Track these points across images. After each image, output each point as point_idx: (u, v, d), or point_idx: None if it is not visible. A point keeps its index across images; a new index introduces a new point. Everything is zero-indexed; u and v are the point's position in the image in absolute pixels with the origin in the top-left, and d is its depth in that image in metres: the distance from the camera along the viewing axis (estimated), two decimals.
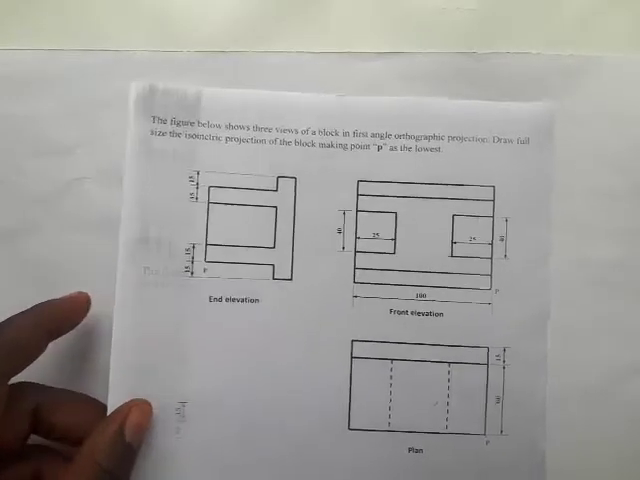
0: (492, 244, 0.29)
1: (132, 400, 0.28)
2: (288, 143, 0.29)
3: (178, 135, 0.29)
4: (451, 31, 0.30)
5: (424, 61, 0.30)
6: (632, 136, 0.30)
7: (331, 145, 0.29)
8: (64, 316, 0.27)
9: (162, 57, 0.30)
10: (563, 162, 0.29)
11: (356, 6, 0.31)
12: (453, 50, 0.30)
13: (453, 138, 0.29)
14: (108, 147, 0.30)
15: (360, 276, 0.29)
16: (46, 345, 0.26)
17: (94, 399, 0.28)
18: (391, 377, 0.29)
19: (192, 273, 0.29)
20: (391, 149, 0.29)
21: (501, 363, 0.29)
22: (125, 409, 0.27)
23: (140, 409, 0.27)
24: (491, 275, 0.29)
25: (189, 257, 0.29)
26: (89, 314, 0.28)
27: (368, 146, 0.29)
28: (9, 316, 0.26)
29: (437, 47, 0.30)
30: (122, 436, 0.25)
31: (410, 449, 0.28)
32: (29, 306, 0.27)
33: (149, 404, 0.28)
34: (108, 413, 0.27)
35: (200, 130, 0.29)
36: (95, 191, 0.30)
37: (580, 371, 0.29)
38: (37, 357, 0.26)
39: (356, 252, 0.29)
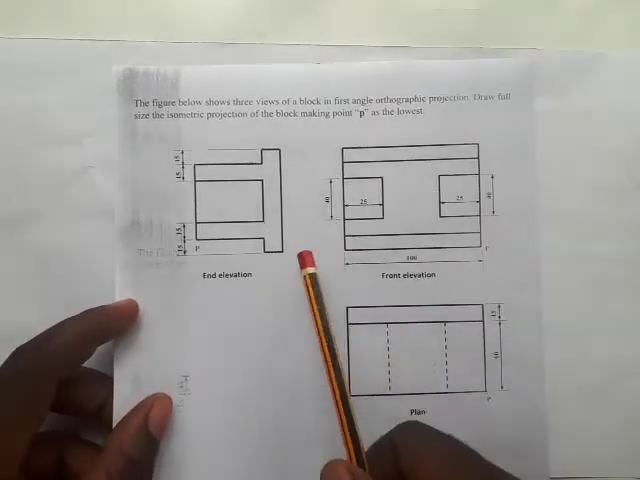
0: (479, 201, 0.29)
1: (154, 394, 0.28)
2: (270, 115, 0.29)
3: (160, 116, 0.29)
4: (455, 29, 0.30)
5: (430, 55, 0.30)
6: (636, 132, 0.30)
7: (313, 114, 0.29)
8: (113, 323, 0.28)
9: (166, 48, 0.30)
10: (567, 156, 0.29)
11: (358, 5, 0.31)
12: (459, 46, 0.30)
13: (434, 99, 0.29)
14: (113, 136, 0.30)
15: (350, 243, 0.29)
16: (94, 350, 0.27)
17: (103, 374, 0.29)
18: (388, 341, 0.29)
19: (185, 252, 0.29)
20: (373, 114, 0.29)
21: (497, 319, 0.29)
22: (148, 403, 0.27)
23: (162, 402, 0.28)
24: (480, 232, 0.29)
25: (180, 237, 0.29)
26: (95, 296, 0.29)
27: (350, 112, 0.29)
28: (15, 303, 0.27)
29: (442, 44, 0.30)
30: (146, 429, 0.26)
31: (412, 411, 0.29)
32: (35, 293, 0.28)
33: (169, 398, 0.28)
34: (114, 394, 0.28)
35: (181, 109, 0.29)
36: (100, 180, 0.30)
37: (579, 369, 0.29)
38: (85, 361, 0.27)
39: (345, 220, 0.29)
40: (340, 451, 0.28)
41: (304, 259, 0.27)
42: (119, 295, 0.29)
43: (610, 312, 0.29)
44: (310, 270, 0.27)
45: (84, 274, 0.30)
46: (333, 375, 0.25)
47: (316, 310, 0.26)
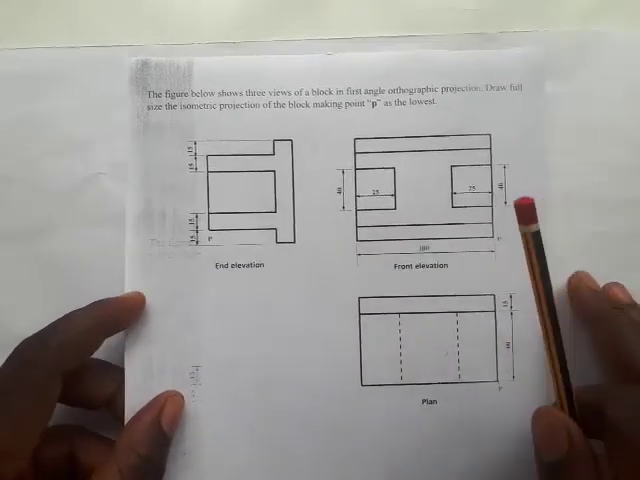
0: (492, 192, 0.29)
1: (166, 392, 0.28)
2: (282, 105, 0.29)
3: (173, 107, 0.30)
4: (456, 21, 0.30)
5: (433, 44, 0.30)
6: None
7: (325, 104, 0.29)
8: (120, 314, 0.28)
9: (174, 50, 0.30)
10: (577, 136, 0.29)
11: (360, 4, 0.31)
12: (462, 32, 0.30)
13: (446, 89, 0.29)
14: (124, 142, 0.30)
15: (363, 234, 0.29)
16: (102, 342, 0.27)
17: (112, 365, 0.29)
18: (400, 331, 0.29)
19: (197, 242, 0.29)
20: (385, 104, 0.29)
21: (508, 309, 0.29)
22: (161, 400, 0.28)
23: (174, 400, 0.28)
24: (492, 223, 0.29)
25: (193, 227, 0.29)
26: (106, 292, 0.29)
27: (362, 103, 0.29)
28: (31, 311, 0.28)
29: (444, 31, 0.30)
30: (159, 426, 0.27)
31: (424, 401, 0.29)
32: (51, 303, 0.28)
33: (181, 395, 0.29)
34: (126, 384, 0.28)
35: (194, 100, 0.30)
36: (112, 186, 0.30)
37: None
38: (93, 353, 0.27)
39: (357, 210, 0.29)
40: (354, 445, 0.29)
41: (525, 212, 0.21)
42: (129, 285, 0.29)
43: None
44: (533, 228, 0.21)
45: (99, 280, 0.30)
46: (553, 346, 0.22)
47: (539, 280, 0.21)
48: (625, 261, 0.29)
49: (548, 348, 0.23)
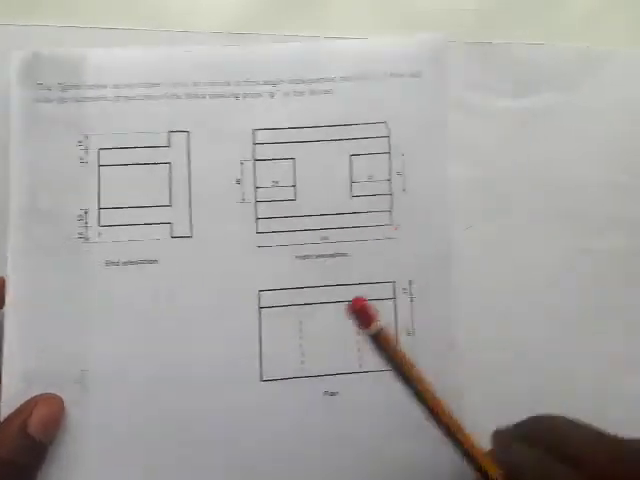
0: (390, 180, 0.29)
1: (40, 395, 0.26)
2: (178, 97, 0.29)
3: (65, 100, 0.28)
4: (457, 21, 0.31)
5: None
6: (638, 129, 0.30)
7: (223, 95, 0.29)
8: None
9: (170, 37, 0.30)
10: (569, 153, 0.30)
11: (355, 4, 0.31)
12: (462, 33, 0.30)
13: (344, 78, 0.29)
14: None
15: (262, 226, 0.28)
16: None
17: None
18: (300, 322, 0.28)
19: (87, 239, 0.28)
20: (284, 95, 0.29)
21: (408, 296, 0.28)
22: (31, 403, 0.26)
23: (48, 403, 0.26)
24: (391, 211, 0.29)
25: (82, 223, 0.28)
26: None
27: (260, 94, 0.29)
28: None
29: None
30: (25, 430, 0.25)
31: (326, 392, 0.28)
32: None
33: (59, 399, 0.26)
34: (2, 392, 0.26)
35: (87, 92, 0.29)
36: None
37: (580, 363, 0.29)
38: None
39: (257, 202, 0.29)
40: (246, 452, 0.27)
41: (362, 314, 0.20)
42: (12, 285, 0.27)
43: (610, 308, 0.29)
44: (375, 327, 0.20)
45: None
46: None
47: (411, 375, 0.21)
48: (606, 278, 0.29)
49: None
